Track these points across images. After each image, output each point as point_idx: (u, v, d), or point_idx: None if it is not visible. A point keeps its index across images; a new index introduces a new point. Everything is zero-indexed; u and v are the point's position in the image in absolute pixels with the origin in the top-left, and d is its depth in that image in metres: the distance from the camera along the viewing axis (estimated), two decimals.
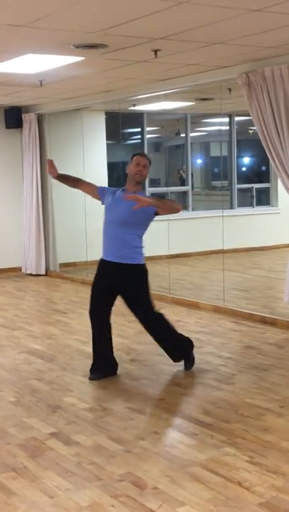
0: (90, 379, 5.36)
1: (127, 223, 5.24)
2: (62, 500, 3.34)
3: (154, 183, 12.90)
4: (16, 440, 4.14)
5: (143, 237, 5.40)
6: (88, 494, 3.39)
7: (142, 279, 5.37)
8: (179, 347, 5.61)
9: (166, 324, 5.47)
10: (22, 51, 6.19)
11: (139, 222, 5.29)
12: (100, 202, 5.54)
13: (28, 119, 10.77)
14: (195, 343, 6.41)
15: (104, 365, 5.48)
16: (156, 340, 5.56)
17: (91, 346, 5.54)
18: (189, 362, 5.62)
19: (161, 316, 5.48)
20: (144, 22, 5.10)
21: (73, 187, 5.80)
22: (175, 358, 5.61)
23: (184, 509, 3.22)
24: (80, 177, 5.76)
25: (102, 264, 5.41)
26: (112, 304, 5.46)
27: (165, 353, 5.89)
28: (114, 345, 6.42)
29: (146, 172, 5.34)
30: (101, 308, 5.46)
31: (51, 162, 5.63)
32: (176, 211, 5.29)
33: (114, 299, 5.45)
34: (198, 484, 3.48)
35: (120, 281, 5.32)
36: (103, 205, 5.45)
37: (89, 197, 10.93)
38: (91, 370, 5.46)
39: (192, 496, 3.34)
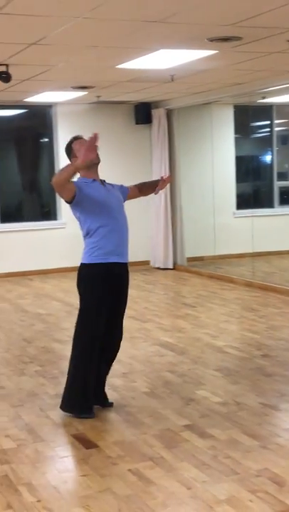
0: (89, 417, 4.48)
1: (123, 214, 4.55)
2: (200, 492, 3.35)
3: (282, 176, 12.65)
4: (152, 430, 4.21)
5: None
6: (226, 488, 3.39)
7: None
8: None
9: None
10: (155, 47, 6.25)
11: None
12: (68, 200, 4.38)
13: (158, 115, 10.89)
14: None
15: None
16: (108, 365, 4.66)
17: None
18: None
19: None
20: (280, 12, 5.00)
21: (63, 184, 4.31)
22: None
23: None
24: None
25: (111, 268, 4.43)
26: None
27: None
28: (243, 340, 6.43)
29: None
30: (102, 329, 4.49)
31: (96, 137, 4.17)
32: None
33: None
34: None
35: (123, 286, 4.57)
36: (70, 203, 4.38)
37: (218, 190, 10.88)
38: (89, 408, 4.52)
39: None
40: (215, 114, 11.18)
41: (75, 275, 4.54)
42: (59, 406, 4.55)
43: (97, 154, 4.39)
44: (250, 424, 4.27)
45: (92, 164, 4.36)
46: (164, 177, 4.77)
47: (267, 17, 5.17)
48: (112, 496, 3.34)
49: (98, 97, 9.82)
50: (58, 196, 10.90)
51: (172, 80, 8.15)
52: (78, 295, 4.52)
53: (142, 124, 11.08)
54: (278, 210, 11.89)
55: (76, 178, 4.42)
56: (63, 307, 8.16)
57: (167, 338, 6.59)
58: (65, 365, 5.72)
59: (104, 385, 4.67)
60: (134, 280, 9.82)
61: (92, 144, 4.10)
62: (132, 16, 5.04)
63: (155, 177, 10.95)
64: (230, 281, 9.71)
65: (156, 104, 10.97)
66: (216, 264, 10.72)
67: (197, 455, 3.81)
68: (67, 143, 4.56)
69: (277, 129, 12.22)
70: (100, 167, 4.47)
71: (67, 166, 4.21)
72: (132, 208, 11.05)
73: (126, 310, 4.65)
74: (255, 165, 12.80)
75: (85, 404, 4.49)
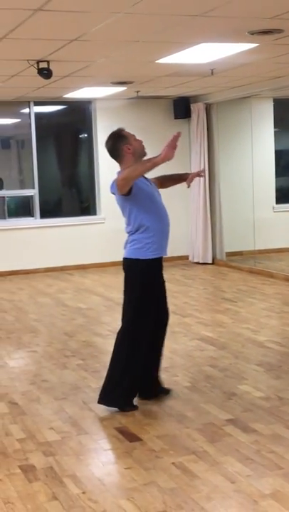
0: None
1: (165, 208, 4.64)
2: (244, 487, 3.35)
3: None
4: (195, 425, 4.22)
5: None
6: (270, 482, 3.38)
7: None
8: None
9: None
10: (196, 41, 6.23)
11: None
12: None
13: (197, 109, 10.86)
14: None
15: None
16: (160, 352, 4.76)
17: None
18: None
19: None
20: None
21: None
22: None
23: None
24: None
25: (159, 262, 4.58)
26: None
27: None
28: (285, 335, 6.39)
29: None
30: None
31: (179, 136, 4.21)
32: None
33: None
34: None
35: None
36: (126, 195, 4.43)
37: (257, 184, 10.79)
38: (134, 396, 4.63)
39: None
40: (254, 107, 11.09)
41: (115, 270, 4.59)
42: (97, 401, 4.57)
43: (144, 147, 4.53)
44: None
45: (141, 157, 4.47)
46: (201, 172, 4.82)
47: None
48: (156, 489, 3.36)
49: (137, 92, 9.84)
50: (97, 191, 11.00)
51: (212, 74, 8.13)
52: (127, 288, 4.56)
53: (180, 118, 11.07)
54: None
55: (117, 171, 4.50)
56: (103, 302, 8.21)
57: (208, 332, 6.59)
58: (107, 359, 5.78)
59: (156, 375, 4.74)
60: (173, 275, 9.85)
61: (174, 142, 4.10)
62: (173, 10, 5.03)
63: (194, 171, 10.94)
64: (270, 276, 9.65)
65: (195, 99, 10.94)
66: (255, 259, 10.66)
67: (240, 449, 3.81)
68: (114, 133, 4.57)
69: None
70: None
71: (145, 162, 4.27)
72: (172, 202, 11.09)
73: None
74: None
75: (131, 398, 4.54)
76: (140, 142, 4.55)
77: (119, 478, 3.55)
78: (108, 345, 6.27)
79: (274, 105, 11.48)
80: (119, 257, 4.29)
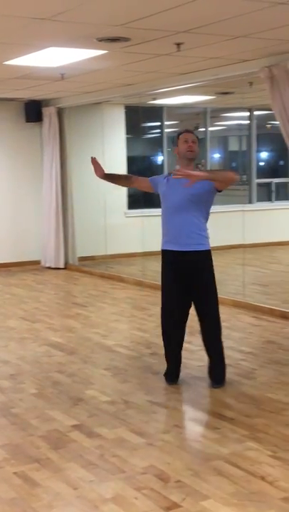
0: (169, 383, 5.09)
1: (187, 207, 4.86)
2: (86, 492, 3.35)
3: None
4: (39, 432, 4.17)
5: (208, 220, 5.06)
6: (112, 486, 3.41)
7: (211, 268, 5.06)
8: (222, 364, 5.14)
9: (220, 332, 5.12)
10: (44, 44, 6.19)
11: (200, 202, 4.91)
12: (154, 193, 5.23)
13: (48, 113, 10.79)
14: None
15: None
16: (209, 347, 5.11)
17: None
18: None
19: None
20: (168, 15, 5.08)
21: (124, 185, 5.94)
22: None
23: (207, 502, 3.22)
24: (128, 174, 5.68)
25: (170, 255, 4.96)
26: (187, 301, 5.04)
27: (187, 349, 5.90)
28: (133, 339, 6.48)
29: (197, 148, 4.96)
30: (177, 307, 5.02)
31: (95, 160, 5.28)
32: (233, 180, 4.93)
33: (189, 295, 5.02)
34: (222, 478, 3.48)
35: (190, 271, 4.96)
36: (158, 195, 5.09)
37: (110, 189, 10.90)
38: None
39: (216, 490, 3.34)
40: (106, 113, 11.20)
41: None
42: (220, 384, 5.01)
43: (192, 150, 4.93)
44: (138, 422, 4.31)
45: (184, 159, 4.94)
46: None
47: (155, 19, 5.22)
48: None
49: None
50: None
51: (62, 79, 8.11)
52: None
53: (32, 122, 10.93)
54: None
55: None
56: None
57: (57, 338, 6.55)
58: None
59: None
60: (25, 280, 9.70)
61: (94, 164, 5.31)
62: (20, 12, 4.97)
63: (46, 176, 10.88)
64: (121, 280, 9.77)
65: (46, 103, 10.87)
66: (107, 264, 10.76)
67: (84, 455, 3.81)
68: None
69: (167, 130, 12.39)
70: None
71: None
72: (24, 206, 10.95)
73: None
74: (146, 165, 12.94)
75: None
76: (186, 146, 4.92)
77: None
78: None
79: (126, 112, 11.65)
80: None
